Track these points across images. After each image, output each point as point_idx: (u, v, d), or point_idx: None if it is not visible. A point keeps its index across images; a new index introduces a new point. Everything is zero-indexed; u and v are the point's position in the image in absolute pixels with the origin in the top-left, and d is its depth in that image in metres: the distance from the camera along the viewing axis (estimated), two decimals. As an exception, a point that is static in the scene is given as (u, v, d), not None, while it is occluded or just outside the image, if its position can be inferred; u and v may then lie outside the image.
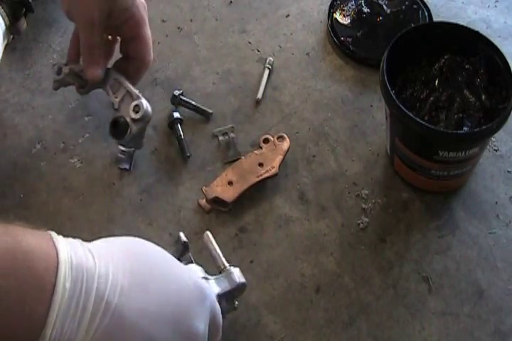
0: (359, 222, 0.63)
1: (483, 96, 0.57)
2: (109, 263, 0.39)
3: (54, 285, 0.35)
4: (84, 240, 0.64)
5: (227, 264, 0.54)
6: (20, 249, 0.35)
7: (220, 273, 0.53)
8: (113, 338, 0.37)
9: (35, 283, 0.35)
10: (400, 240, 0.62)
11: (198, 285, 0.43)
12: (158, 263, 0.43)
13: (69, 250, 0.38)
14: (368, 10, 0.76)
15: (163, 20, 0.77)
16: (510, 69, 0.55)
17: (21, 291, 0.34)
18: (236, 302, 0.54)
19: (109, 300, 0.37)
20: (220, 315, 0.47)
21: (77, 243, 0.40)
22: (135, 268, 0.40)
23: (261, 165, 0.64)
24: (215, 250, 0.55)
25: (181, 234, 0.55)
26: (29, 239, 0.37)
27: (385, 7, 0.76)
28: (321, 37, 0.76)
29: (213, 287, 0.50)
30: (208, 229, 0.58)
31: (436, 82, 0.58)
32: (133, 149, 0.65)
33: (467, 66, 0.58)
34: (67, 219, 0.65)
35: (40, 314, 0.35)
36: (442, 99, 0.57)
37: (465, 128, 0.56)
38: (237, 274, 0.52)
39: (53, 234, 0.39)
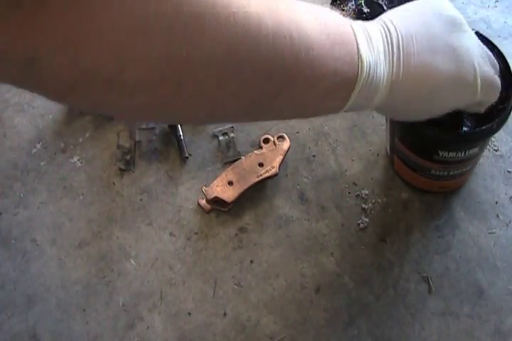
0: (359, 222, 0.63)
1: (483, 96, 0.56)
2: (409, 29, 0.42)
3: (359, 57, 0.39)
4: (84, 240, 0.64)
5: None
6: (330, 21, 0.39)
7: None
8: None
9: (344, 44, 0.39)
10: (400, 240, 0.62)
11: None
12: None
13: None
14: (368, 10, 0.76)
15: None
16: (510, 69, 0.55)
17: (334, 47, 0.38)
18: None
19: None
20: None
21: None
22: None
23: (261, 165, 0.64)
24: None
25: None
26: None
27: (385, 7, 0.76)
28: (321, 37, 0.76)
29: None
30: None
31: (436, 82, 0.58)
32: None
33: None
34: (67, 219, 0.65)
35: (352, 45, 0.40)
36: (442, 99, 0.57)
37: (465, 128, 0.56)
38: None
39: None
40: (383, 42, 0.42)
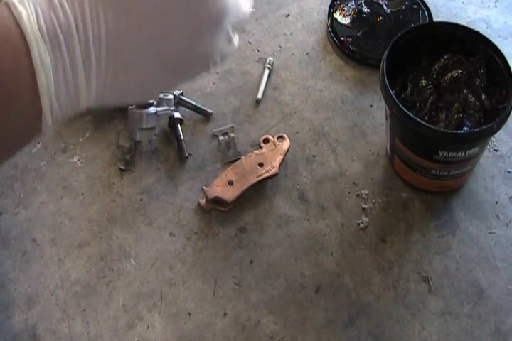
0: (359, 222, 0.63)
1: (483, 96, 0.57)
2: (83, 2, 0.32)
3: (32, 67, 0.31)
4: (84, 240, 0.64)
5: None
6: None
7: None
8: (119, 76, 0.34)
9: (9, 74, 0.30)
10: (400, 240, 0.62)
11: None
12: None
13: (31, 13, 0.31)
14: (368, 10, 0.76)
15: (163, 20, 0.77)
16: (510, 69, 0.55)
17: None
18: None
19: (97, 49, 0.33)
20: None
21: None
22: None
23: (261, 165, 0.64)
24: None
25: None
26: None
27: (385, 7, 0.76)
28: (321, 37, 0.76)
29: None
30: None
31: (436, 82, 0.58)
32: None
33: (467, 66, 0.58)
34: (67, 219, 0.65)
35: (31, 103, 0.32)
36: (442, 99, 0.57)
37: (465, 128, 0.56)
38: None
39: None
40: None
